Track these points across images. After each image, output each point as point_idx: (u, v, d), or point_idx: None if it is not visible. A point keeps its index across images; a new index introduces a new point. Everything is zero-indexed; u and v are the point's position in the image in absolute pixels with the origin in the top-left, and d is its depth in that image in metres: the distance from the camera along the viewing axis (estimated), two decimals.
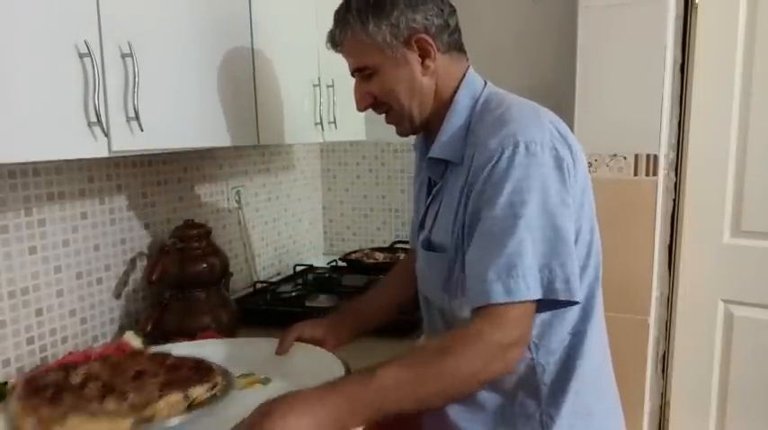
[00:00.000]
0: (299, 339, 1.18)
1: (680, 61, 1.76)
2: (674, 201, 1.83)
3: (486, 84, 1.05)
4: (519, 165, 0.86)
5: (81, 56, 0.94)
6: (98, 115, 0.96)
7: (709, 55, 1.74)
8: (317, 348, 1.15)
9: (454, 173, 0.99)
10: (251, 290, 1.86)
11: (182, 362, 1.05)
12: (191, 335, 1.35)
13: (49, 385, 0.95)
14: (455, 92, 1.02)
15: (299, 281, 1.96)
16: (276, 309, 1.70)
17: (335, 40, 1.08)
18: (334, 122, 1.81)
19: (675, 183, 1.83)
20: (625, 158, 1.74)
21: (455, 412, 1.02)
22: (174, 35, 1.16)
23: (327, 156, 2.43)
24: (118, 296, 1.47)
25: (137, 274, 1.53)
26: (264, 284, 1.89)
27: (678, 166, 1.83)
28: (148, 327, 1.39)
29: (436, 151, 1.02)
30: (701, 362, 1.86)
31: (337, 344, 1.18)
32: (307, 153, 2.36)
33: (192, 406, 0.93)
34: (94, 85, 0.95)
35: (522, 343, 0.86)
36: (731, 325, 1.82)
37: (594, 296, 0.99)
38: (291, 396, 0.78)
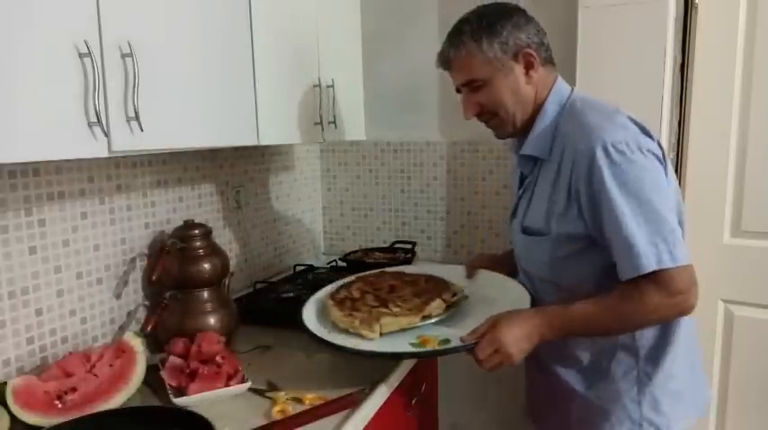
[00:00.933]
0: (479, 266, 1.49)
1: (680, 61, 1.76)
2: None
3: (572, 90, 1.24)
4: (612, 165, 1.05)
5: (81, 56, 0.95)
6: (98, 115, 0.96)
7: (708, 55, 1.74)
8: (494, 273, 1.45)
9: (544, 167, 1.19)
10: (251, 289, 1.86)
11: (416, 278, 1.47)
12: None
13: (346, 299, 1.37)
14: (546, 98, 1.21)
15: (299, 281, 1.96)
16: (276, 308, 1.70)
17: (448, 59, 1.24)
18: (334, 122, 1.81)
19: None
20: None
21: (557, 365, 1.25)
22: (174, 35, 1.16)
23: (327, 157, 2.43)
24: (118, 296, 1.47)
25: (137, 274, 1.53)
26: (264, 284, 1.89)
27: (678, 166, 1.83)
28: (149, 327, 1.39)
29: (527, 149, 1.22)
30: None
31: (500, 273, 1.45)
32: (307, 153, 2.36)
33: (447, 306, 1.30)
34: (94, 85, 0.95)
35: (694, 294, 1.05)
36: (731, 324, 1.82)
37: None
38: (510, 313, 1.13)
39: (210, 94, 1.27)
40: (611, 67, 1.72)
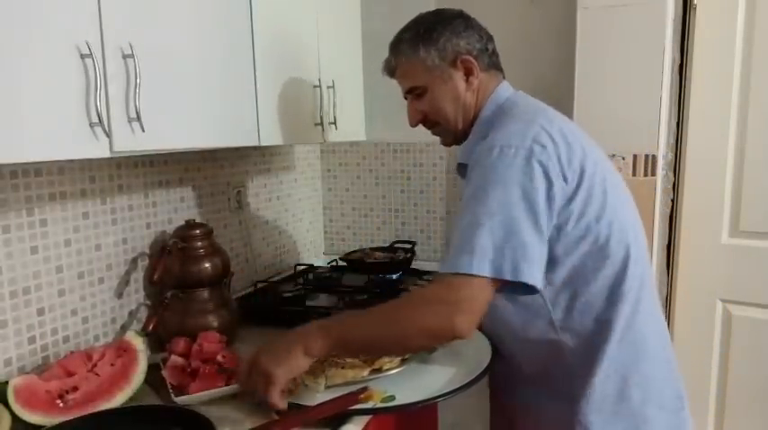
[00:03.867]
0: None
1: (678, 62, 1.76)
2: (673, 201, 1.84)
3: (513, 93, 1.20)
4: (488, 165, 1.00)
5: (82, 57, 0.95)
6: (99, 116, 0.97)
7: (707, 56, 1.75)
8: None
9: None
10: (252, 289, 1.86)
11: None
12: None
13: None
14: (484, 105, 1.19)
15: (300, 280, 1.97)
16: (277, 308, 1.70)
17: (391, 67, 1.25)
18: (335, 123, 1.81)
19: (674, 184, 1.83)
20: (623, 159, 1.74)
21: (504, 381, 1.22)
22: (175, 36, 1.17)
23: (328, 157, 2.43)
24: (119, 296, 1.48)
25: (138, 274, 1.53)
26: (265, 284, 1.90)
27: (676, 167, 1.83)
28: (150, 327, 1.39)
29: (460, 156, 1.21)
30: (700, 362, 1.86)
31: None
32: (307, 153, 2.36)
33: (403, 360, 1.23)
34: (96, 86, 0.96)
35: (470, 311, 0.96)
36: (729, 324, 1.83)
37: (620, 287, 1.06)
38: (275, 337, 1.07)
39: (212, 95, 1.28)
40: (609, 68, 1.72)
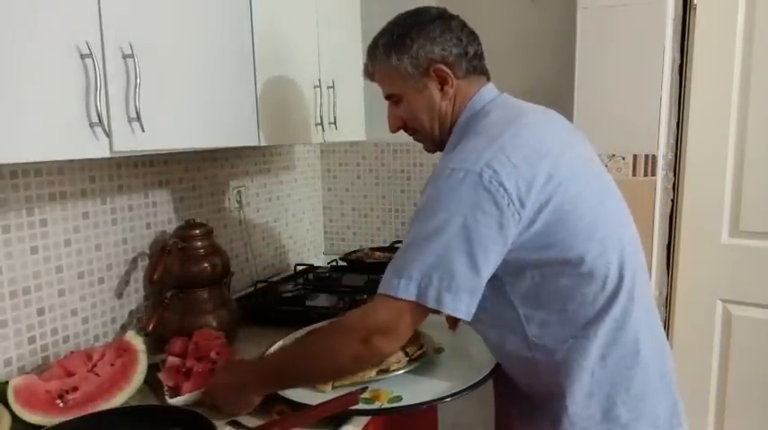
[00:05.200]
0: None
1: (678, 62, 1.76)
2: (673, 201, 1.84)
3: (491, 100, 1.12)
4: (435, 187, 0.99)
5: (82, 56, 0.95)
6: (99, 116, 0.97)
7: (707, 55, 1.74)
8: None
9: None
10: (252, 289, 1.86)
11: None
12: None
13: None
14: (461, 114, 1.13)
15: (300, 280, 1.97)
16: (277, 308, 1.70)
17: (368, 72, 1.22)
18: (335, 123, 1.81)
19: (674, 184, 1.83)
20: (623, 159, 1.74)
21: (508, 406, 1.22)
22: (175, 36, 1.17)
23: (328, 157, 2.43)
24: (119, 296, 1.48)
25: (138, 274, 1.53)
26: (265, 284, 1.89)
27: (676, 167, 1.83)
28: (150, 327, 1.39)
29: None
30: (700, 362, 1.86)
31: None
32: (307, 153, 2.36)
33: (410, 360, 1.23)
34: (96, 86, 0.96)
35: (388, 332, 0.97)
36: (729, 324, 1.83)
37: (600, 304, 1.02)
38: (231, 364, 1.16)
39: (212, 95, 1.28)
40: (609, 68, 1.72)
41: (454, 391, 1.13)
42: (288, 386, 1.11)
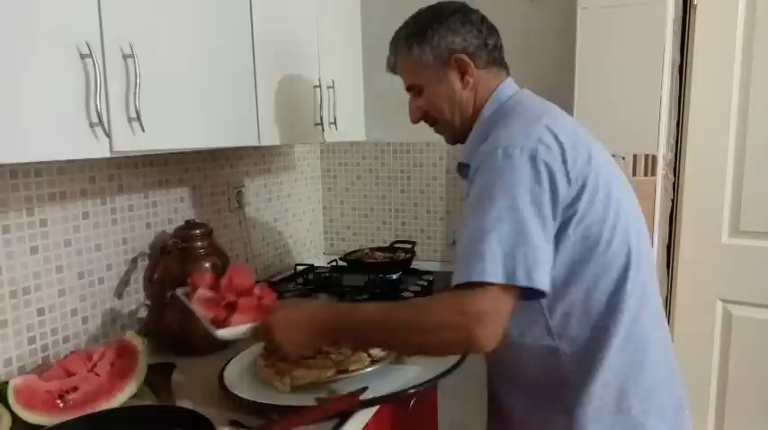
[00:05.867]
0: None
1: (678, 62, 1.76)
2: (673, 201, 1.84)
3: (517, 92, 1.17)
4: (493, 167, 0.97)
5: (82, 56, 0.95)
6: (99, 116, 0.97)
7: (707, 56, 1.75)
8: None
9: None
10: None
11: None
12: (192, 334, 1.35)
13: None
14: (484, 104, 1.16)
15: (300, 280, 1.97)
16: None
17: (391, 64, 1.24)
18: (335, 123, 1.81)
19: (674, 184, 1.83)
20: (624, 158, 1.74)
21: (504, 391, 1.20)
22: (175, 36, 1.17)
23: (328, 157, 2.43)
24: (119, 296, 1.48)
25: (138, 274, 1.53)
26: (265, 284, 1.89)
27: (676, 167, 1.83)
28: (150, 327, 1.39)
29: (462, 156, 1.19)
30: (700, 362, 1.86)
31: None
32: (307, 153, 2.36)
33: (373, 361, 1.21)
34: (96, 86, 0.96)
35: (490, 323, 0.92)
36: (729, 324, 1.83)
37: (620, 294, 1.03)
38: (299, 302, 1.08)
39: (212, 95, 1.28)
40: (609, 68, 1.72)
41: (423, 381, 1.16)
42: (361, 342, 1.11)
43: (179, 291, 1.31)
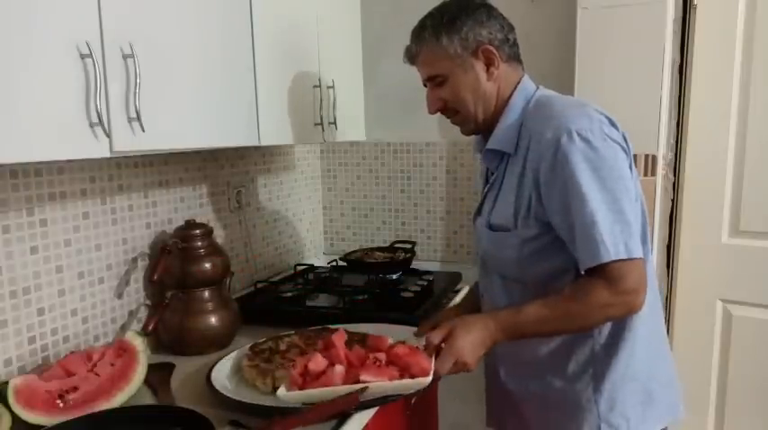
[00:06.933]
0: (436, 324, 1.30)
1: (678, 62, 1.76)
2: (673, 201, 1.84)
3: (538, 88, 1.22)
4: (577, 151, 1.04)
5: (82, 56, 0.95)
6: (99, 116, 0.97)
7: (707, 56, 1.75)
8: None
9: (511, 162, 1.17)
10: (252, 289, 1.86)
11: (356, 335, 1.34)
12: (191, 334, 1.35)
13: (265, 350, 1.34)
14: (511, 95, 1.20)
15: (300, 280, 1.97)
16: (277, 308, 1.71)
17: (412, 54, 1.24)
18: (335, 123, 1.82)
19: (674, 184, 1.84)
20: None
21: (513, 367, 1.25)
22: (175, 35, 1.17)
23: (328, 157, 2.43)
24: (119, 296, 1.48)
25: (138, 274, 1.53)
26: (265, 284, 1.90)
27: (676, 167, 1.83)
28: (150, 327, 1.40)
29: (493, 143, 1.20)
30: (700, 362, 1.86)
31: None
32: (307, 153, 2.36)
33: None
34: (96, 86, 0.96)
35: (643, 290, 1.04)
36: (729, 324, 1.83)
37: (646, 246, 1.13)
38: (466, 320, 1.11)
39: (212, 95, 1.28)
40: (609, 68, 1.72)
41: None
42: (535, 334, 1.13)
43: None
